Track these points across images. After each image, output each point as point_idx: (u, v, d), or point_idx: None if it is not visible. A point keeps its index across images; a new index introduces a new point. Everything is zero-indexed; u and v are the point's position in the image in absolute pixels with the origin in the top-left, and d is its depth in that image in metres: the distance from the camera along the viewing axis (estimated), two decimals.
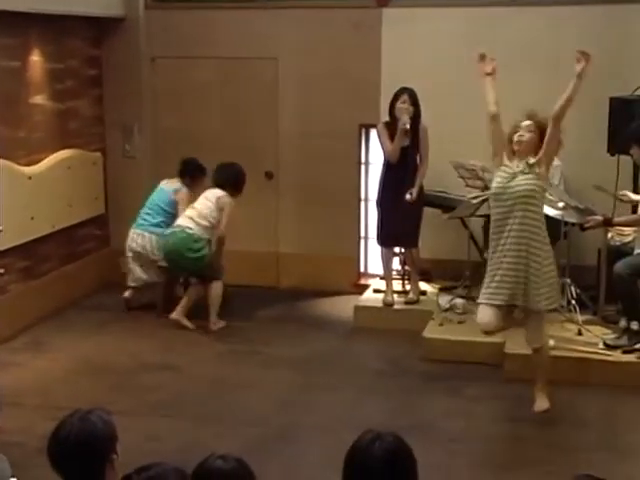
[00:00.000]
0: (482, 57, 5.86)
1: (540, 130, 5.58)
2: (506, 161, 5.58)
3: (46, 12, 7.27)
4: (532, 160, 5.50)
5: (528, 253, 5.46)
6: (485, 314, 5.62)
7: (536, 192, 5.51)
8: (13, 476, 3.32)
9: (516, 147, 5.55)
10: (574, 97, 5.59)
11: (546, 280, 5.52)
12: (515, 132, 5.59)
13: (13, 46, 7.32)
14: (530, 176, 5.48)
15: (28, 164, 7.52)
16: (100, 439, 2.92)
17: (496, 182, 5.61)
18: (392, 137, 7.30)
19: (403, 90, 7.28)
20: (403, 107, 7.21)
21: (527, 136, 5.54)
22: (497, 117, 5.67)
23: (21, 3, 6.85)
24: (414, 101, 7.25)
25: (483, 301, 5.63)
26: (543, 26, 7.78)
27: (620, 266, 6.32)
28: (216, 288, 7.45)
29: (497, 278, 5.54)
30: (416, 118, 7.29)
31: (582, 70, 5.57)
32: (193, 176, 7.81)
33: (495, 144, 5.67)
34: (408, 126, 7.16)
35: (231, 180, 7.57)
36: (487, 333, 5.79)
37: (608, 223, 6.55)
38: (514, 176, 5.50)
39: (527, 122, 5.61)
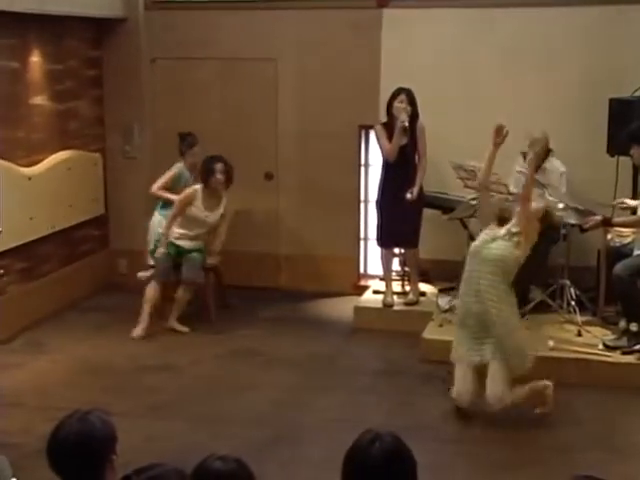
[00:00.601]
0: (499, 129, 5.91)
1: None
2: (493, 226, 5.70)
3: (46, 13, 7.27)
4: (515, 229, 5.58)
5: (489, 314, 5.52)
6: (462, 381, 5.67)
7: (508, 259, 5.55)
8: (13, 476, 3.32)
9: (502, 214, 5.72)
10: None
11: (509, 343, 5.54)
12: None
13: (13, 47, 7.32)
14: (509, 244, 5.55)
15: (28, 165, 7.52)
16: (99, 439, 2.92)
17: (477, 241, 5.74)
18: (390, 137, 7.31)
19: (400, 90, 7.29)
20: (401, 106, 7.22)
21: (514, 207, 5.72)
22: (488, 187, 5.79)
23: (20, 4, 6.85)
24: (411, 101, 7.26)
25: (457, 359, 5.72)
26: (541, 27, 7.79)
27: (620, 267, 6.32)
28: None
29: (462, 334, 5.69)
30: (414, 118, 7.29)
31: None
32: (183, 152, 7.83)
33: (484, 214, 5.78)
34: (407, 123, 7.17)
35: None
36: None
37: (607, 223, 6.57)
38: (494, 239, 5.58)
39: (514, 193, 5.86)
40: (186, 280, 7.49)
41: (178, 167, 7.82)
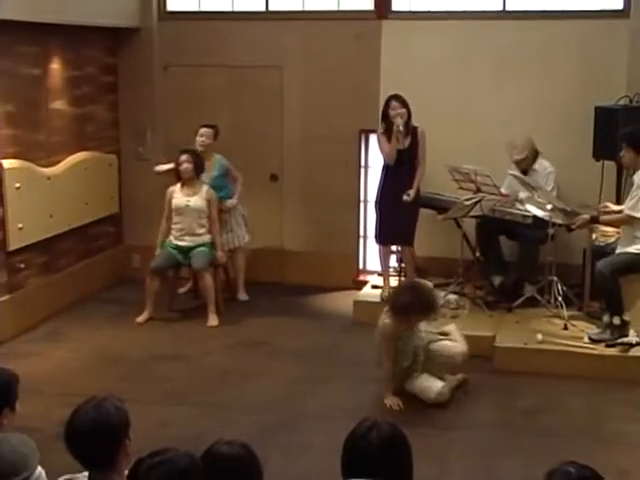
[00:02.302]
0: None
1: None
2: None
3: (66, 23, 7.29)
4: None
5: None
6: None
7: None
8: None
9: None
10: None
11: None
12: None
13: (35, 55, 7.33)
14: None
15: (47, 165, 7.53)
16: (114, 425, 2.93)
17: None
18: (390, 141, 7.32)
19: (391, 97, 7.29)
20: (395, 112, 7.23)
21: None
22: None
23: (43, 14, 6.86)
24: (404, 104, 7.25)
25: None
26: (533, 38, 7.78)
27: (602, 264, 6.32)
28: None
29: None
30: (409, 118, 7.30)
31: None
32: None
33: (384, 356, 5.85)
34: (402, 128, 7.18)
35: None
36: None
37: (595, 221, 6.58)
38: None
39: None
40: (196, 269, 7.55)
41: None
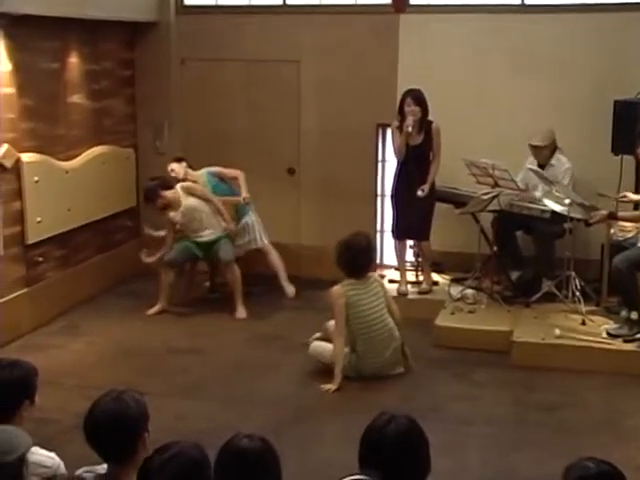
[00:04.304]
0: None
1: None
2: None
3: (84, 17, 7.32)
4: None
5: None
6: None
7: None
8: (52, 450, 3.35)
9: None
10: None
11: None
12: None
13: (54, 49, 7.36)
14: None
15: (66, 159, 7.56)
16: (132, 418, 2.95)
17: None
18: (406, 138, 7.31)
19: (406, 93, 7.25)
20: (409, 110, 7.19)
21: None
22: None
23: (61, 9, 6.89)
24: (418, 102, 7.21)
25: None
26: (550, 31, 7.74)
27: (619, 259, 6.30)
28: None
29: None
30: (424, 116, 7.27)
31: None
32: None
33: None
34: (410, 129, 7.14)
35: None
36: None
37: (613, 217, 6.55)
38: None
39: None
40: (225, 261, 7.56)
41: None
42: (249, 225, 7.88)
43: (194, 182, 7.69)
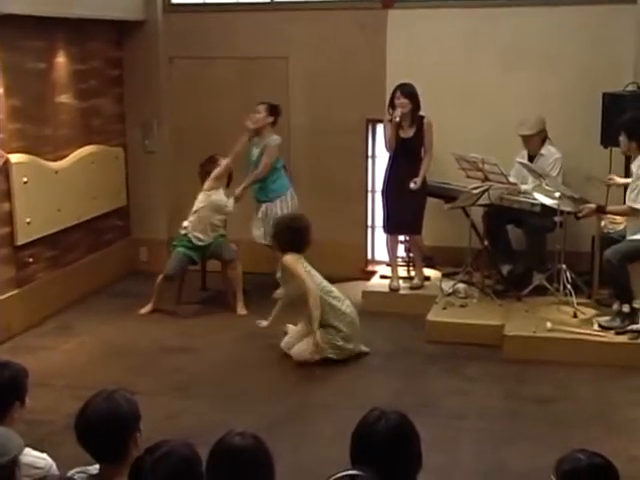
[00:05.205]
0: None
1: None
2: None
3: (71, 16, 7.29)
4: None
5: None
6: None
7: None
8: (43, 451, 3.35)
9: None
10: None
11: None
12: None
13: (40, 49, 7.33)
14: None
15: (54, 159, 7.54)
16: (124, 417, 2.94)
17: None
18: (396, 130, 7.33)
19: (397, 88, 7.29)
20: (398, 102, 7.22)
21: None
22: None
23: (47, 8, 6.86)
24: (407, 95, 7.24)
25: None
26: (539, 25, 7.76)
27: (610, 252, 6.32)
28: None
29: None
30: (415, 110, 7.28)
31: None
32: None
33: None
34: (398, 119, 7.19)
35: None
36: None
37: (601, 210, 6.58)
38: None
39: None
40: (229, 259, 7.63)
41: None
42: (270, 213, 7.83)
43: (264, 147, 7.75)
